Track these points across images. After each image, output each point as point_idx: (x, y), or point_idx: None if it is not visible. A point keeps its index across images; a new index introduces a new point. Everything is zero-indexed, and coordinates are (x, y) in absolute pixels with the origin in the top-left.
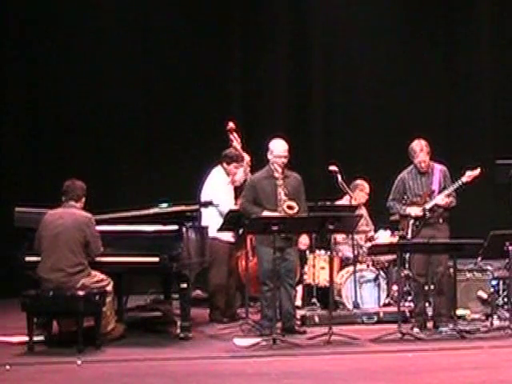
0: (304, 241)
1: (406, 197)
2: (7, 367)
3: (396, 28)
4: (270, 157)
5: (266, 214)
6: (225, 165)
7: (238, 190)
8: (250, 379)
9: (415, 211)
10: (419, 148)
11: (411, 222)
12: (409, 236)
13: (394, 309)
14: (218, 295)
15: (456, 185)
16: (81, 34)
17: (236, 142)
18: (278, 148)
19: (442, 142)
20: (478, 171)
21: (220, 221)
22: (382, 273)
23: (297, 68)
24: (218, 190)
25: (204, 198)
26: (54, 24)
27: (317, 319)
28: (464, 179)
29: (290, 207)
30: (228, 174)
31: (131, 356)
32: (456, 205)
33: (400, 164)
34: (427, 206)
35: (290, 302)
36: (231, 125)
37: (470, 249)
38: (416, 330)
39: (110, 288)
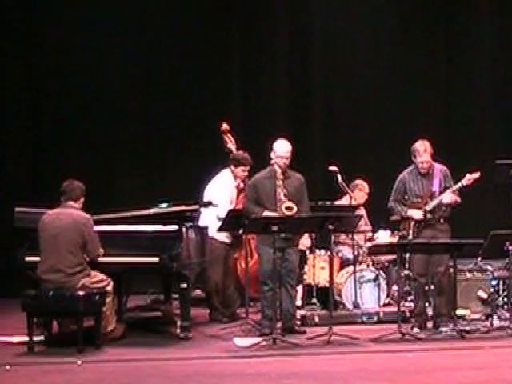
0: (305, 242)
1: (406, 197)
2: (7, 367)
3: (396, 28)
4: (272, 157)
5: (266, 213)
6: (232, 167)
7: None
8: (249, 379)
9: (417, 214)
10: (423, 148)
11: (412, 223)
12: (410, 237)
13: (394, 309)
14: (214, 295)
15: (456, 187)
16: (80, 32)
17: (231, 143)
18: (281, 149)
19: (442, 142)
20: (477, 174)
21: (216, 221)
22: (382, 273)
23: (297, 68)
24: (221, 191)
25: (206, 197)
26: (53, 23)
27: (317, 319)
28: (464, 182)
29: (288, 208)
30: (235, 177)
31: (131, 356)
32: (459, 203)
33: (400, 164)
34: (428, 208)
35: (290, 302)
36: (225, 126)
37: (469, 249)
38: (416, 329)
39: (110, 288)
